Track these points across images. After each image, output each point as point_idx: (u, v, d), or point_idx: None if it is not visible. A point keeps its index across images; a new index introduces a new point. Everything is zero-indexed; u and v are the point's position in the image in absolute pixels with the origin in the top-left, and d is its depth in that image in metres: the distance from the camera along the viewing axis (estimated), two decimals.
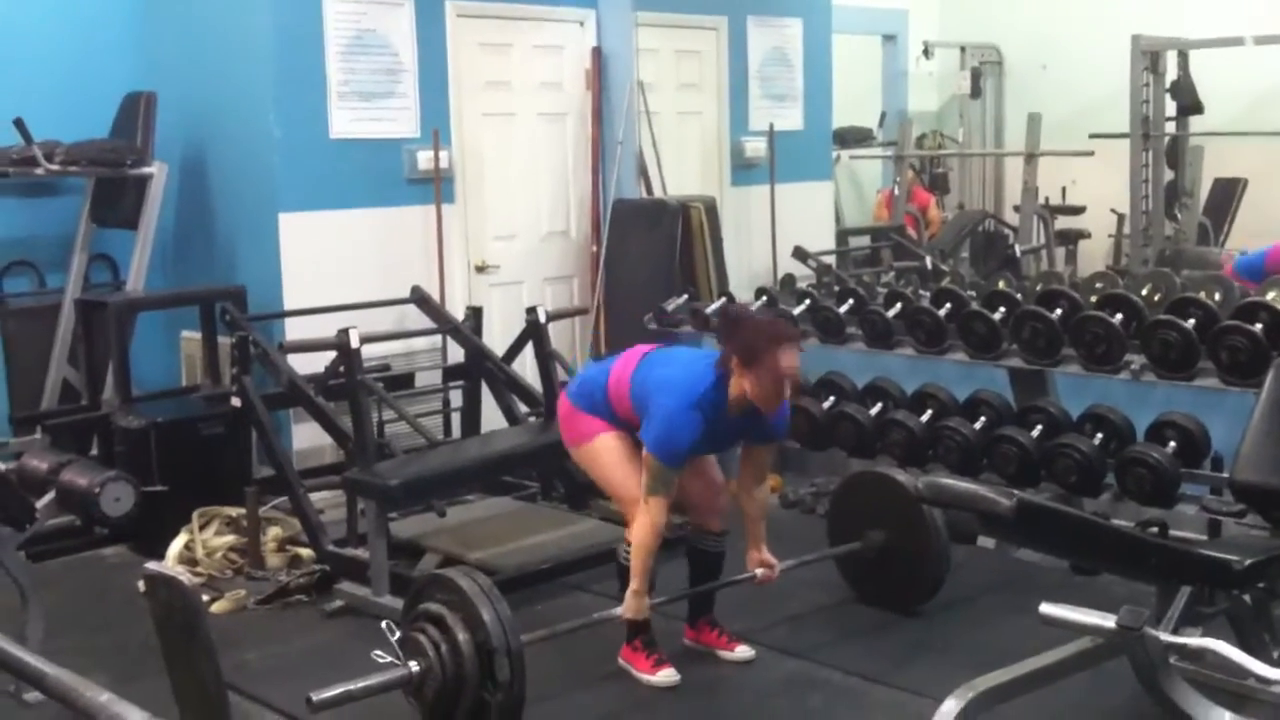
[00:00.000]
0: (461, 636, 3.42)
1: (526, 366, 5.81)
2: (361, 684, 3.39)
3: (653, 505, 3.76)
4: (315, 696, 3.27)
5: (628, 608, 3.89)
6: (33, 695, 3.35)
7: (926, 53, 11.07)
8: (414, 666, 3.44)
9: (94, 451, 5.47)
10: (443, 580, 3.59)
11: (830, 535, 4.66)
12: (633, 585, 3.87)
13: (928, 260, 7.86)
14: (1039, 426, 5.09)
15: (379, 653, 3.51)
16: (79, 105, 5.99)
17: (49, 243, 6.19)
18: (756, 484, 4.08)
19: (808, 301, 6.11)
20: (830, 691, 3.90)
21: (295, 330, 5.69)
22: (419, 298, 5.92)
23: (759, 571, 4.15)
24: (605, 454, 3.92)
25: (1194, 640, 3.06)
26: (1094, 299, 5.30)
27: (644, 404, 3.80)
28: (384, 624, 3.58)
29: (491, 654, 3.38)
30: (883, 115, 10.77)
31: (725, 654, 4.11)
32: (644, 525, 3.78)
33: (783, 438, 4.18)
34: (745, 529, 4.14)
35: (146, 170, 5.92)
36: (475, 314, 5.99)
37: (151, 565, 2.17)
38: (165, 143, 6.02)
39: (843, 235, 8.86)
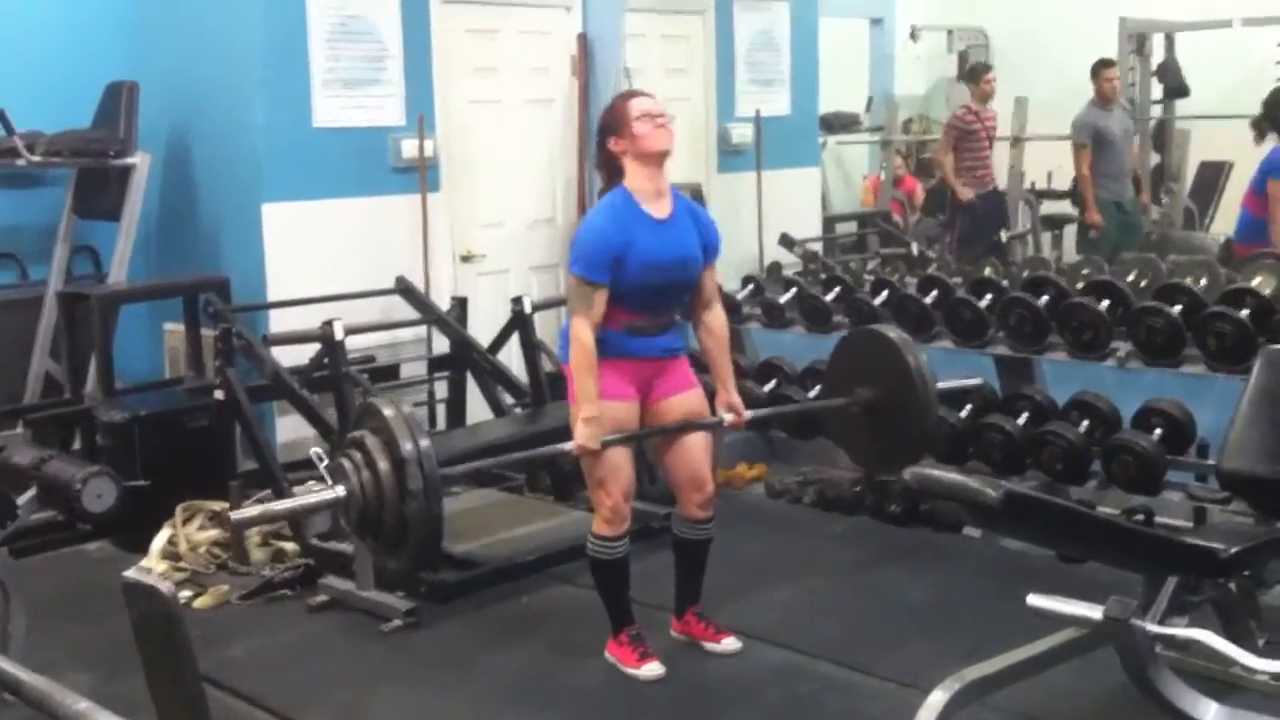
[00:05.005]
0: (380, 461, 3.51)
1: (512, 357, 5.79)
2: (285, 505, 3.62)
3: (576, 324, 3.75)
4: (235, 515, 3.54)
5: (578, 436, 3.74)
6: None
7: (913, 36, 11.06)
8: (340, 491, 3.53)
9: (76, 445, 5.43)
10: (370, 408, 3.69)
11: (825, 394, 4.68)
12: (582, 412, 3.73)
13: (914, 247, 7.86)
14: (1025, 414, 5.09)
15: (312, 484, 3.63)
16: (61, 96, 5.92)
17: (31, 234, 6.15)
18: (707, 310, 4.03)
19: (794, 289, 6.10)
20: (818, 681, 3.89)
21: (279, 322, 5.65)
22: (404, 288, 5.88)
23: (727, 416, 4.07)
24: None
25: (1181, 630, 3.06)
26: (1080, 285, 5.31)
27: None
28: (312, 451, 3.74)
29: (403, 465, 3.45)
30: (869, 100, 10.75)
31: (713, 646, 4.07)
32: (574, 348, 3.74)
33: (717, 248, 4.01)
34: (710, 369, 4.08)
35: (129, 161, 5.88)
36: (460, 304, 5.96)
37: (130, 573, 2.14)
38: (148, 133, 5.97)
39: (830, 222, 8.84)
